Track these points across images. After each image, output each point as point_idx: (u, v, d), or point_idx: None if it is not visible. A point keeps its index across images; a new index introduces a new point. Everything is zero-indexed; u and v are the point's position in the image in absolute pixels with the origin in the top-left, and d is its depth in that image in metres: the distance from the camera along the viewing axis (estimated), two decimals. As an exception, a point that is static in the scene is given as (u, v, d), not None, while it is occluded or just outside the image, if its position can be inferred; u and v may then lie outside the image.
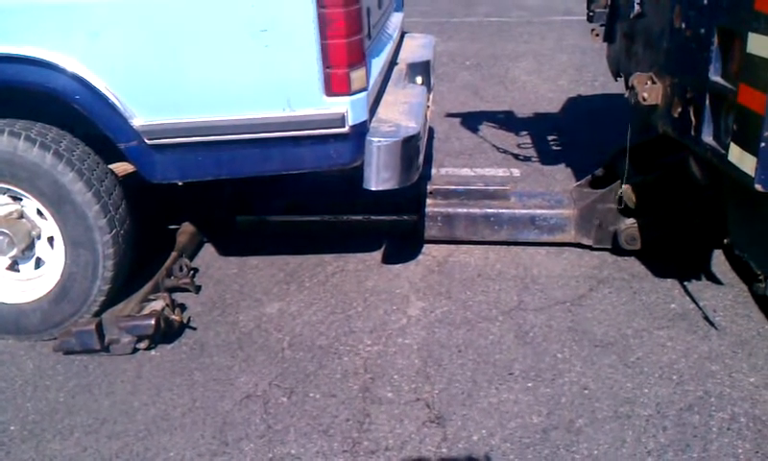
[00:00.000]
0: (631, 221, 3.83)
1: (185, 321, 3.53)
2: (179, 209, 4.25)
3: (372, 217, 4.19)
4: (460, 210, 4.11)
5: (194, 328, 3.51)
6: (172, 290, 3.65)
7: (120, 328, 3.27)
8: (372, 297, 3.74)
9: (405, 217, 4.17)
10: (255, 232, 4.29)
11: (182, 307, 3.60)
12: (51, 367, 3.29)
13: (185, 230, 4.12)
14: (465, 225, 4.11)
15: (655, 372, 3.09)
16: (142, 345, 3.32)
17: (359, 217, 4.19)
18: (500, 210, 4.09)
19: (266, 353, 3.32)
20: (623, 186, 3.75)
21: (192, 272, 3.88)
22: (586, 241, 4.03)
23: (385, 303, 3.68)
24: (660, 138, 3.55)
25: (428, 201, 4.16)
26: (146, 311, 3.35)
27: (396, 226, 4.21)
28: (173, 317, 3.40)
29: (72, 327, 3.30)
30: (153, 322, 3.23)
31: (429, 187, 4.25)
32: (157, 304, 3.39)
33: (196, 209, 4.24)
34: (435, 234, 4.16)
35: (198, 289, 3.83)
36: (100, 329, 3.25)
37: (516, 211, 4.08)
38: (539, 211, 4.06)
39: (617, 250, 3.95)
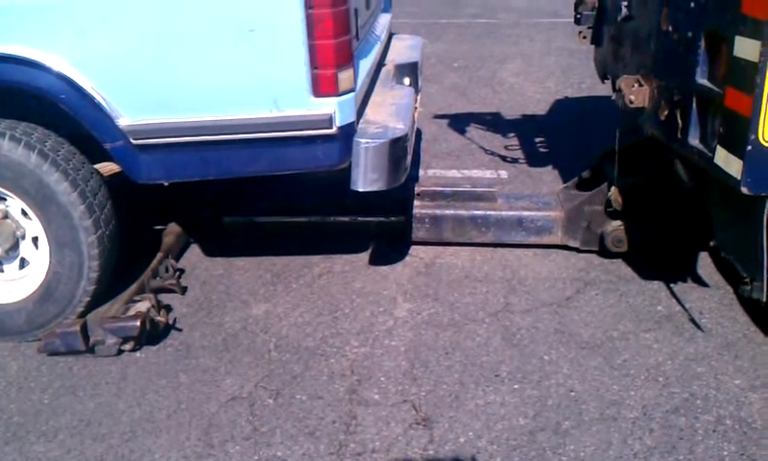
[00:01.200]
0: (617, 223, 3.84)
1: (171, 322, 3.51)
2: (165, 210, 4.23)
3: (360, 218, 4.17)
4: (447, 212, 4.11)
5: (180, 330, 3.49)
6: (158, 291, 3.63)
7: (105, 330, 3.24)
8: (358, 298, 3.73)
9: (393, 218, 4.16)
10: (242, 233, 4.27)
11: (168, 308, 3.58)
12: (35, 368, 3.27)
13: (171, 231, 4.10)
14: (452, 226, 4.11)
15: (641, 374, 3.10)
16: (127, 346, 3.30)
17: (346, 218, 4.18)
18: (487, 212, 4.09)
19: (252, 355, 3.31)
20: (610, 189, 3.76)
21: (178, 273, 3.86)
22: (572, 243, 4.04)
23: (372, 304, 3.67)
24: (646, 141, 3.57)
25: (416, 202, 4.16)
26: (131, 312, 3.32)
27: (383, 227, 4.20)
28: (158, 318, 3.37)
29: (56, 328, 3.27)
30: (138, 323, 3.21)
31: (417, 189, 4.24)
32: (143, 306, 3.37)
33: (182, 210, 4.22)
34: (422, 236, 4.15)
35: (184, 290, 3.81)
36: (84, 331, 3.22)
37: (504, 213, 4.08)
38: (526, 213, 4.06)
39: (604, 252, 3.95)
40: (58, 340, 3.23)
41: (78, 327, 3.20)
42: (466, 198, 4.20)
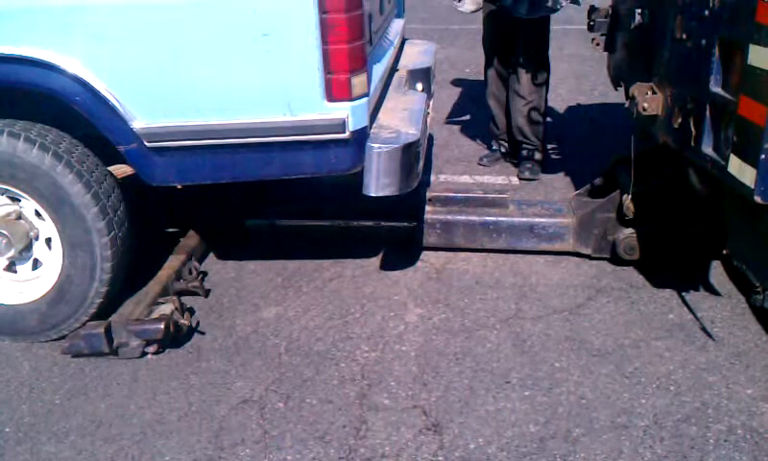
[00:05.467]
0: (629, 231, 3.83)
1: (194, 325, 3.52)
2: (186, 212, 4.23)
3: (371, 223, 4.18)
4: (459, 218, 4.11)
5: (203, 333, 3.49)
6: (180, 293, 3.64)
7: (129, 332, 3.25)
8: (369, 303, 3.73)
9: (404, 224, 4.16)
10: (264, 237, 4.28)
11: (191, 311, 3.59)
12: (47, 369, 3.28)
13: (194, 233, 4.10)
14: (463, 232, 4.11)
15: (652, 382, 3.09)
16: (151, 349, 3.30)
17: (357, 223, 4.19)
18: (499, 218, 4.08)
19: (263, 358, 3.31)
20: (623, 196, 3.75)
21: (201, 275, 3.86)
22: (584, 250, 4.03)
23: (383, 309, 3.67)
24: (659, 148, 3.56)
25: (427, 208, 4.16)
26: (155, 315, 3.33)
27: (394, 232, 4.20)
28: (182, 321, 3.38)
29: (81, 329, 3.28)
30: (162, 326, 3.21)
31: (428, 194, 4.24)
32: (167, 308, 3.37)
33: (205, 213, 4.23)
34: (434, 241, 4.15)
35: (207, 293, 3.81)
36: (109, 333, 3.23)
37: (515, 219, 4.08)
38: (537, 220, 4.06)
39: (616, 259, 3.94)
40: (82, 342, 3.24)
41: (102, 329, 3.20)
42: (477, 204, 4.20)
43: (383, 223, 4.17)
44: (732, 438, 2.77)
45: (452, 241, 4.15)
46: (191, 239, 4.04)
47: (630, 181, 3.70)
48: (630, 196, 3.70)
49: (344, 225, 4.19)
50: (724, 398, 2.98)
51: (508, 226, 4.07)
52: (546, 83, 5.19)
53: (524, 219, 4.07)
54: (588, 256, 4.03)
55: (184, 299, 3.70)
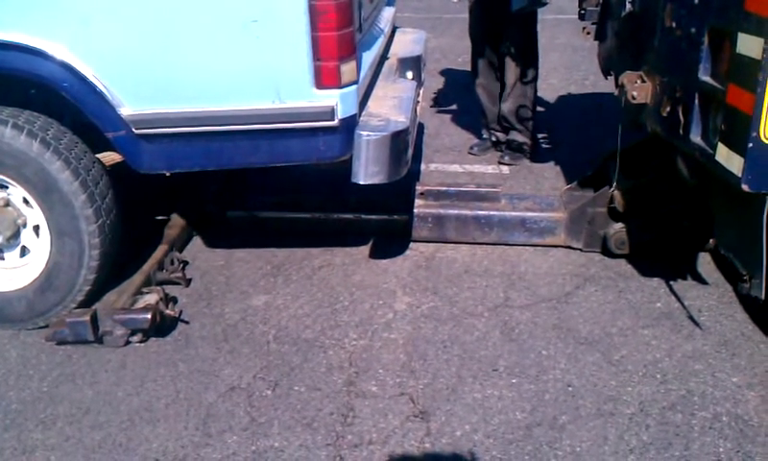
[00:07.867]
0: (620, 225, 3.84)
1: (178, 315, 3.51)
2: (168, 202, 4.22)
3: (363, 216, 4.17)
4: (451, 212, 4.10)
5: (187, 322, 3.48)
6: (162, 283, 3.63)
7: (115, 321, 3.24)
8: (358, 291, 3.73)
9: (396, 217, 4.15)
10: (245, 228, 4.28)
11: (174, 301, 3.58)
12: (35, 356, 3.28)
13: (175, 223, 4.09)
14: (455, 226, 4.10)
15: (638, 370, 3.10)
16: (135, 338, 3.29)
17: (349, 216, 4.18)
18: (491, 212, 4.08)
19: (251, 346, 3.31)
20: (614, 191, 3.75)
21: (183, 265, 3.86)
22: (575, 244, 4.03)
23: (371, 297, 3.68)
24: (650, 142, 3.56)
25: (419, 201, 4.15)
26: (140, 305, 3.33)
27: (386, 225, 4.19)
28: (168, 312, 3.37)
29: (66, 317, 3.26)
30: (149, 316, 3.21)
31: (420, 188, 4.23)
32: (152, 298, 3.37)
33: (185, 203, 4.22)
34: (425, 235, 4.14)
35: (188, 282, 3.81)
36: (94, 321, 3.22)
37: (507, 214, 4.08)
38: (529, 214, 4.06)
39: (606, 254, 3.95)
40: (67, 329, 3.23)
41: (88, 318, 3.19)
42: (469, 198, 4.19)
43: (374, 216, 4.17)
44: (716, 425, 2.78)
45: (444, 235, 4.14)
46: (172, 229, 4.03)
47: (620, 176, 3.71)
48: (618, 189, 3.70)
49: (324, 218, 4.19)
50: (709, 386, 3.00)
51: (499, 220, 4.07)
52: (535, 72, 5.19)
53: (516, 213, 4.07)
54: (580, 250, 4.04)
55: (170, 287, 3.70)
